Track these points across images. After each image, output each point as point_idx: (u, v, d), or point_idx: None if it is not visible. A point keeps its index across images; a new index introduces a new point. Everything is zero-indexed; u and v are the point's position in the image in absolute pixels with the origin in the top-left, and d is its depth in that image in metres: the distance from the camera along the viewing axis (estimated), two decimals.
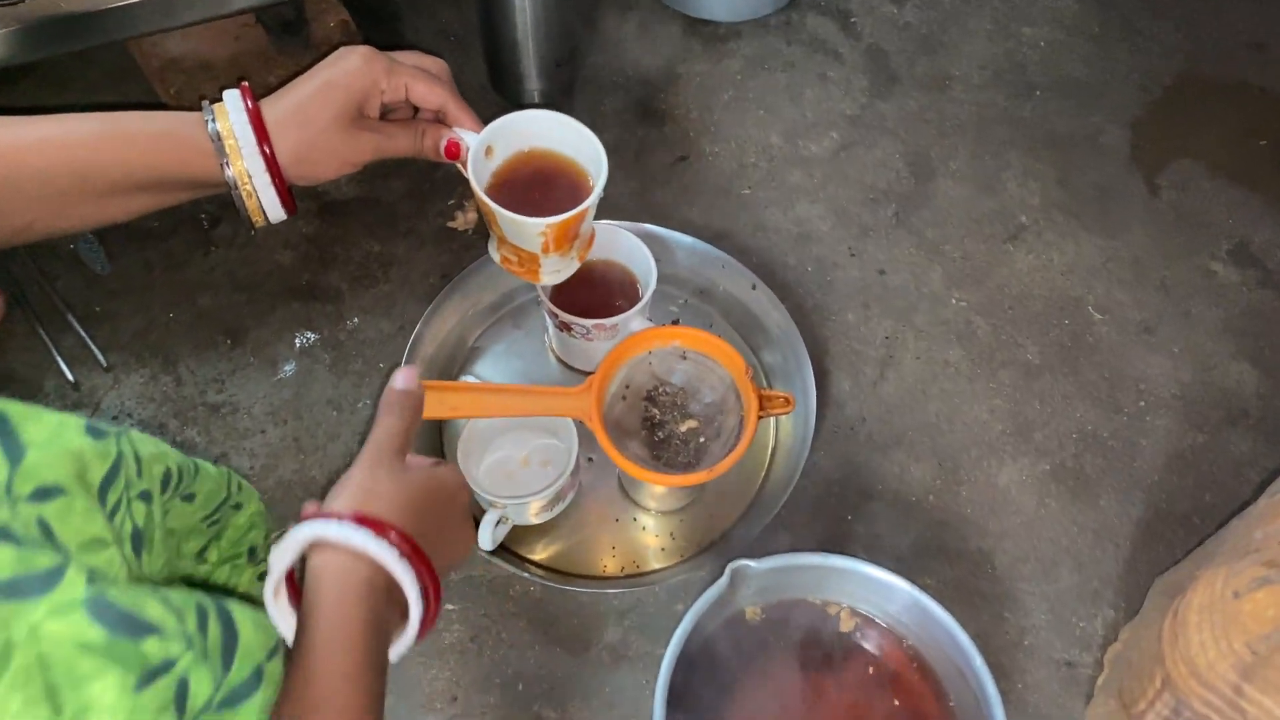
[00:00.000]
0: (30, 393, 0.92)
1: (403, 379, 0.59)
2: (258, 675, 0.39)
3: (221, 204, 1.04)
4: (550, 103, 1.10)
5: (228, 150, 0.61)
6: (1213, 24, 1.24)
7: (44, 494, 0.37)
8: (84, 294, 0.98)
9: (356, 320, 0.97)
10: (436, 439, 0.89)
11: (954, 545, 0.86)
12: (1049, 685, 0.81)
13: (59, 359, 0.92)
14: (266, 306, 0.98)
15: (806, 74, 1.18)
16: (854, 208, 1.06)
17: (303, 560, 0.49)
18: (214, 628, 0.39)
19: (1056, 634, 0.83)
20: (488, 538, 0.77)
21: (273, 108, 0.63)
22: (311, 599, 0.46)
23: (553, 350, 0.94)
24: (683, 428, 0.77)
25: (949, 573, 0.85)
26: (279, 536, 0.49)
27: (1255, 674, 0.60)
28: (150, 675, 0.35)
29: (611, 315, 0.82)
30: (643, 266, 0.85)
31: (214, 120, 0.62)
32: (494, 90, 1.12)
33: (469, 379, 0.93)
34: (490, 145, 0.71)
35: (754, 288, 0.93)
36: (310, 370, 0.94)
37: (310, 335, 0.96)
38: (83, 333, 0.94)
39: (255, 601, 0.48)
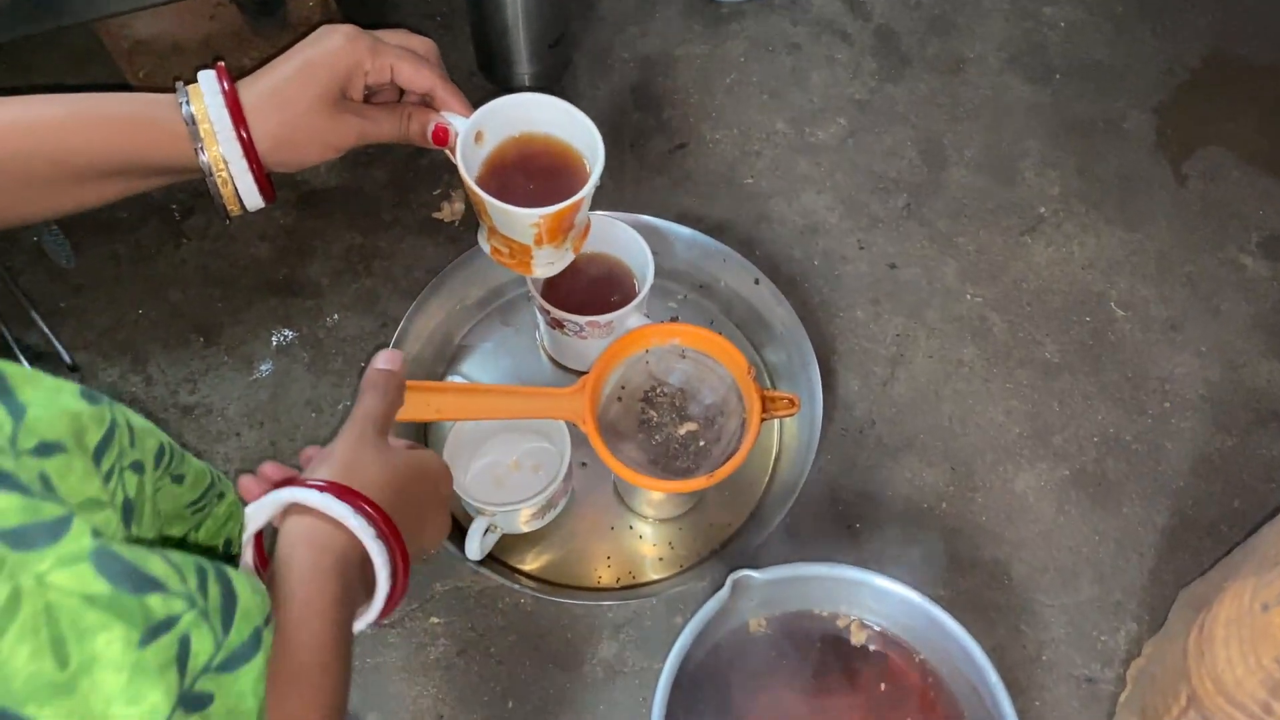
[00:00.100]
0: None
1: (385, 359, 0.62)
2: (256, 638, 0.41)
3: (194, 193, 1.04)
4: (542, 87, 1.10)
5: (202, 134, 0.61)
6: (1243, 2, 1.24)
7: (46, 449, 0.38)
8: (48, 289, 0.98)
9: (337, 317, 0.97)
10: (421, 443, 0.89)
11: (968, 555, 0.87)
12: (1068, 702, 0.81)
13: (21, 358, 0.92)
14: (242, 302, 0.98)
15: (813, 56, 1.18)
16: (863, 198, 1.07)
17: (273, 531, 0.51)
18: (214, 588, 0.40)
19: (1076, 648, 0.83)
20: (475, 547, 0.77)
21: (250, 89, 0.63)
22: (285, 563, 0.48)
23: (544, 349, 0.94)
24: (681, 430, 0.77)
25: (963, 584, 0.85)
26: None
27: None
28: (154, 631, 0.36)
29: (606, 311, 0.82)
30: (639, 260, 0.86)
31: (188, 102, 0.62)
32: (483, 74, 1.12)
33: (456, 379, 0.93)
34: (480, 130, 0.71)
35: (757, 282, 0.93)
36: (288, 370, 0.94)
37: (288, 333, 0.96)
38: (47, 330, 0.94)
39: None
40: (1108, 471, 0.91)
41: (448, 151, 0.71)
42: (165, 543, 0.59)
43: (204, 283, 0.99)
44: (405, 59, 0.66)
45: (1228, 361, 0.97)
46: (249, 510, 0.51)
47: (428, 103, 0.70)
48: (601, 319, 0.82)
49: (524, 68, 1.09)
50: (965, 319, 0.99)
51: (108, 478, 0.43)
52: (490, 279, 0.95)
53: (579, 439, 0.79)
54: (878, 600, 0.74)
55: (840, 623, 0.76)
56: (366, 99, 0.68)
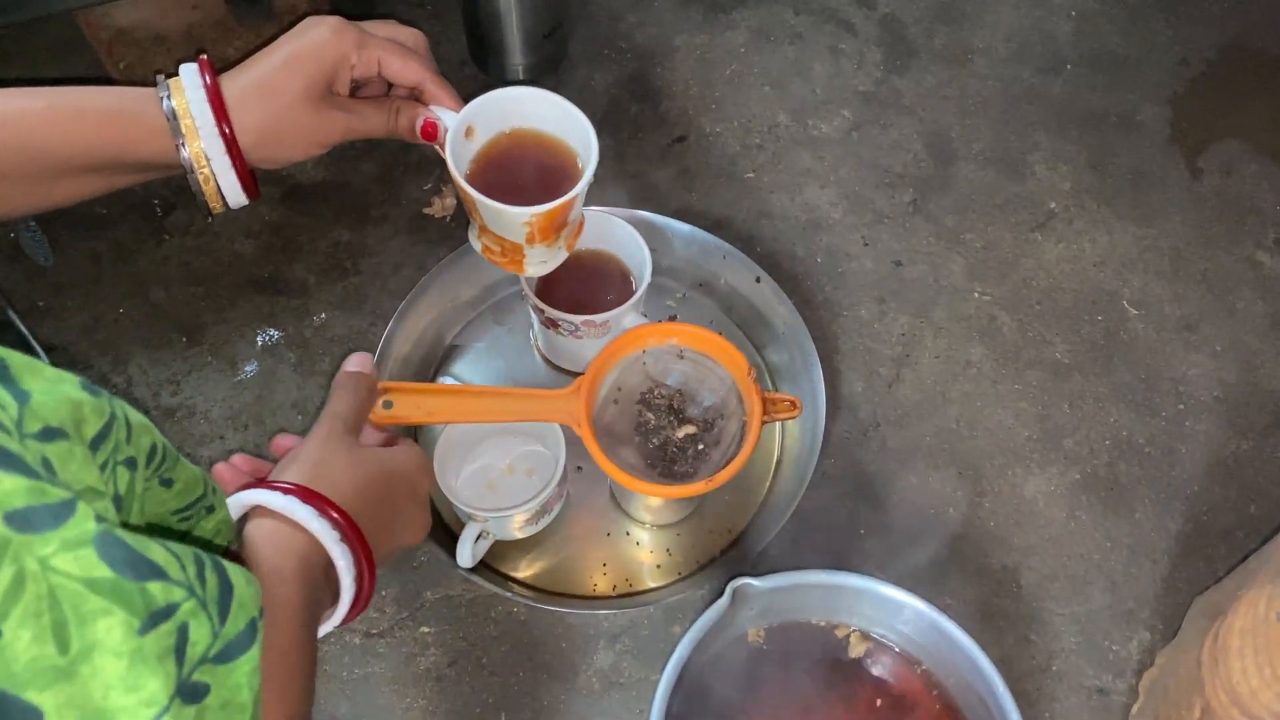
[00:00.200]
0: None
1: (355, 362, 0.65)
2: (252, 630, 0.41)
3: (176, 188, 1.04)
4: (536, 78, 1.10)
5: (183, 130, 0.62)
6: None
7: (49, 434, 0.39)
8: (25, 287, 0.98)
9: (324, 316, 0.97)
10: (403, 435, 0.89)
11: (976, 562, 0.87)
12: (1079, 714, 0.81)
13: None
14: (225, 301, 0.98)
15: (816, 46, 1.18)
16: (868, 193, 1.07)
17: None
18: (211, 578, 0.40)
19: (1087, 658, 0.83)
20: (467, 554, 0.78)
21: (233, 83, 0.63)
22: (248, 566, 0.49)
23: (538, 349, 0.94)
24: (679, 434, 0.77)
25: (970, 592, 0.86)
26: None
27: None
28: (154, 619, 0.36)
29: (602, 310, 0.82)
30: (636, 257, 0.86)
31: (169, 96, 0.62)
32: (474, 64, 1.12)
33: (447, 380, 0.93)
34: (471, 125, 0.71)
35: (758, 280, 0.93)
36: (273, 370, 0.94)
37: (273, 332, 0.96)
38: (24, 330, 0.94)
39: None
40: (1120, 476, 0.91)
41: (437, 147, 0.71)
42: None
43: (186, 281, 0.99)
44: (393, 52, 0.67)
45: (1244, 362, 0.98)
46: None
47: (416, 97, 0.70)
48: (597, 318, 0.82)
49: (517, 58, 1.09)
50: (973, 318, 0.99)
51: (102, 470, 0.44)
52: (483, 277, 0.95)
53: (574, 442, 0.79)
54: (882, 609, 0.74)
55: (843, 632, 0.76)
56: (353, 93, 0.68)
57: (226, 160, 0.63)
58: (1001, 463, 0.91)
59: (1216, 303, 1.01)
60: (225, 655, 0.40)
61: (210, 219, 0.94)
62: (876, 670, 0.75)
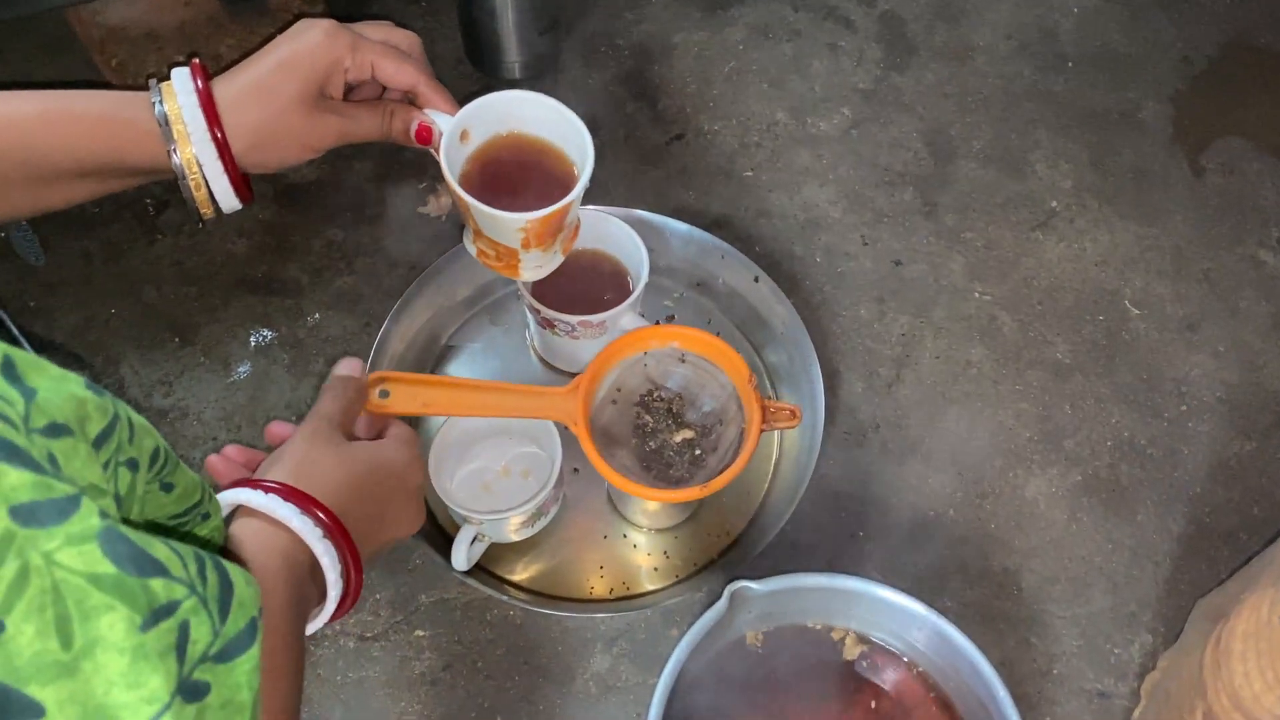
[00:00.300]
0: None
1: (345, 366, 0.66)
2: (252, 629, 0.42)
3: (168, 187, 1.03)
4: (532, 75, 1.10)
5: (175, 135, 0.62)
6: None
7: (54, 430, 0.39)
8: (16, 287, 0.98)
9: (318, 316, 0.97)
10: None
11: (976, 564, 0.87)
12: (1080, 718, 0.81)
13: None
14: (218, 301, 0.98)
15: (815, 44, 1.18)
16: (867, 191, 1.07)
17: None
18: (211, 576, 0.41)
19: (1088, 662, 0.83)
20: (462, 556, 0.78)
21: (226, 87, 0.63)
22: None
23: (535, 350, 0.94)
24: (677, 438, 0.77)
25: (970, 595, 0.86)
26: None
27: None
28: (156, 615, 0.37)
29: (599, 310, 0.82)
30: (634, 257, 0.86)
31: (161, 101, 0.62)
32: (470, 62, 1.12)
33: None
34: (466, 129, 0.71)
35: (756, 280, 0.93)
36: (267, 371, 0.94)
37: (267, 333, 0.97)
38: (15, 330, 0.94)
39: None
40: (1121, 477, 0.92)
41: (432, 151, 0.71)
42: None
43: (179, 281, 0.99)
44: (387, 55, 0.67)
45: (1247, 362, 0.98)
46: None
47: (411, 100, 0.70)
48: (594, 318, 0.82)
49: (513, 56, 1.09)
50: (973, 318, 1.00)
51: (104, 469, 0.44)
52: (478, 277, 0.96)
53: (570, 443, 0.79)
54: (882, 613, 0.74)
55: (842, 635, 0.76)
56: (347, 96, 0.69)
57: (218, 165, 0.63)
58: (1002, 464, 0.92)
59: (1219, 302, 1.01)
60: (225, 654, 0.40)
61: (201, 225, 0.94)
62: (875, 674, 0.76)
